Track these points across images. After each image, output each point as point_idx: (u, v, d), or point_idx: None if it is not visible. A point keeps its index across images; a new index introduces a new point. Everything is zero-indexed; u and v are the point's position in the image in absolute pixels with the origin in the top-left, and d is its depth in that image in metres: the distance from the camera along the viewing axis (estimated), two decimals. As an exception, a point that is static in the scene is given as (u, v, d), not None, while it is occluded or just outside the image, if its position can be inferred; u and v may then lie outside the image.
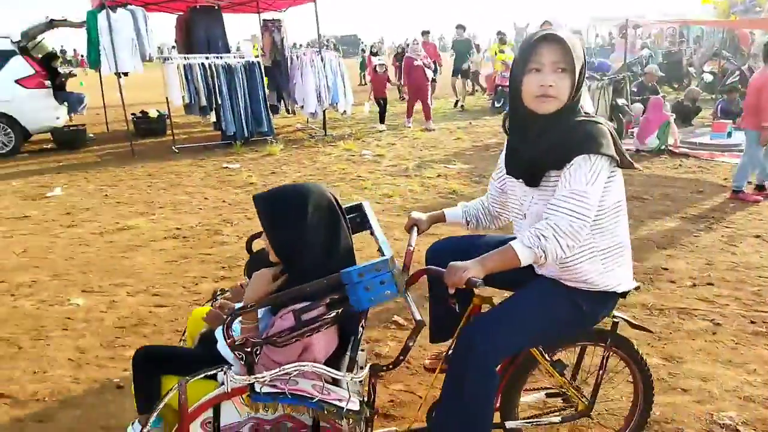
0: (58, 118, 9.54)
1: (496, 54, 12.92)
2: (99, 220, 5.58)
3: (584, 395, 2.06)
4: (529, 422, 2.07)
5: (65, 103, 9.90)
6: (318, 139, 10.06)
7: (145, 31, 8.81)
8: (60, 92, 9.72)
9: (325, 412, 1.62)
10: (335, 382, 1.69)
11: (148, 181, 7.21)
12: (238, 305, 1.73)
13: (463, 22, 14.55)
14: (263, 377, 1.60)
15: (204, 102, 9.00)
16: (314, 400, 1.62)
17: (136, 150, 9.12)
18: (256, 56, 9.98)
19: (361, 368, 1.77)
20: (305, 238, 1.65)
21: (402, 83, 13.00)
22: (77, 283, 4.08)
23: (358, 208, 2.17)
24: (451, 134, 10.12)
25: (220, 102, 9.11)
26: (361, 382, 1.72)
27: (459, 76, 13.86)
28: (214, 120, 9.75)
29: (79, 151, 9.44)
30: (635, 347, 2.05)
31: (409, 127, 10.92)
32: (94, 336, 3.30)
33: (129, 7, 8.77)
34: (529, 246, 1.60)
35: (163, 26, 12.35)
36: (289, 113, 12.86)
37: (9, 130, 9.00)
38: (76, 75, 11.11)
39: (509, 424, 1.97)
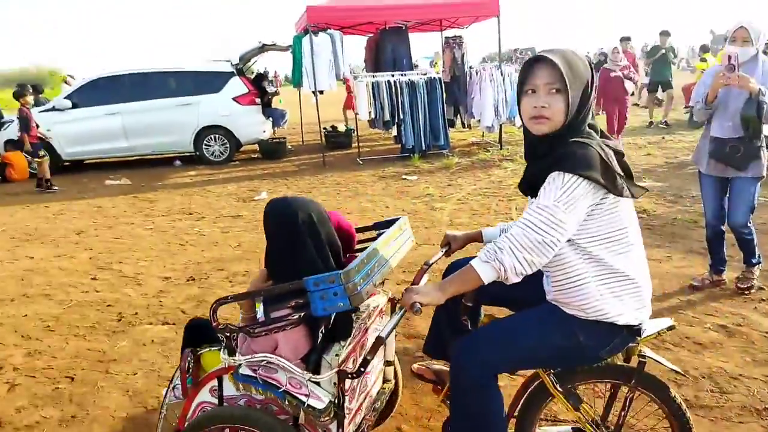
0: (264, 131, 10.91)
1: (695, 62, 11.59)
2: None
3: None
4: None
5: (270, 118, 11.27)
6: (493, 152, 10.08)
7: (341, 53, 9.69)
8: (266, 108, 11.08)
9: (286, 402, 1.76)
10: (318, 382, 1.78)
11: (336, 189, 7.89)
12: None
13: (653, 29, 13.17)
14: (237, 360, 1.80)
15: (387, 117, 9.57)
16: (280, 390, 1.76)
17: (326, 161, 10.03)
18: (438, 72, 10.35)
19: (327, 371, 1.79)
20: (277, 249, 1.86)
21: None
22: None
23: (390, 223, 2.21)
24: (640, 149, 9.43)
25: (401, 116, 9.62)
26: (335, 383, 1.78)
27: (658, 90, 12.05)
28: (395, 134, 10.32)
29: (280, 161, 10.66)
30: (669, 390, 1.82)
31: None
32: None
33: (329, 31, 9.72)
34: (486, 261, 1.58)
35: (352, 47, 13.39)
36: (464, 127, 13.07)
37: (226, 141, 10.51)
38: (279, 93, 12.55)
39: None
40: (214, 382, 1.97)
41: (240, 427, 1.82)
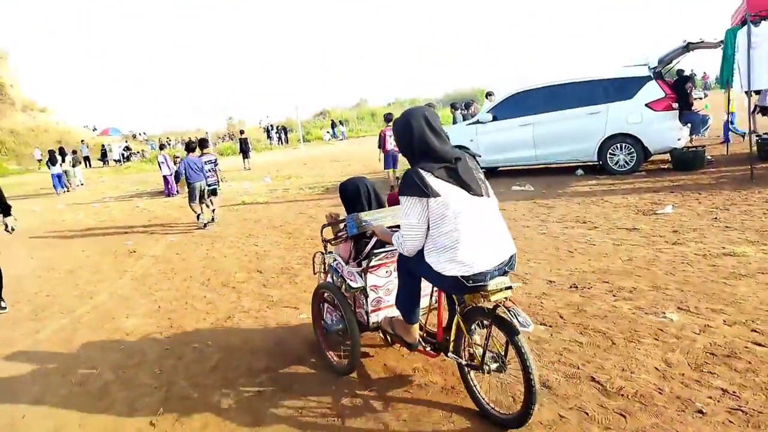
0: (679, 139, 9.83)
1: None
2: (704, 242, 5.43)
3: (477, 353, 2.81)
4: (455, 358, 2.94)
5: (688, 125, 10.07)
6: None
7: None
8: (685, 113, 9.95)
9: (342, 282, 3.38)
10: (353, 272, 3.34)
11: (764, 208, 6.48)
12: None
13: None
14: (328, 257, 3.69)
15: None
16: (339, 274, 3.43)
17: (756, 173, 8.34)
18: None
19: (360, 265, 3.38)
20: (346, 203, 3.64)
21: None
22: (674, 299, 4.12)
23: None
24: None
25: None
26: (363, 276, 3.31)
27: None
28: None
29: (694, 173, 9.44)
30: (516, 334, 2.55)
31: None
32: (683, 354, 3.27)
33: (774, 18, 8.01)
34: (396, 239, 2.83)
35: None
36: None
37: (633, 150, 9.93)
38: (702, 98, 11.09)
39: (450, 355, 2.97)
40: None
41: (326, 290, 3.55)
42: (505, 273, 2.67)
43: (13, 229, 5.77)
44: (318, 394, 3.30)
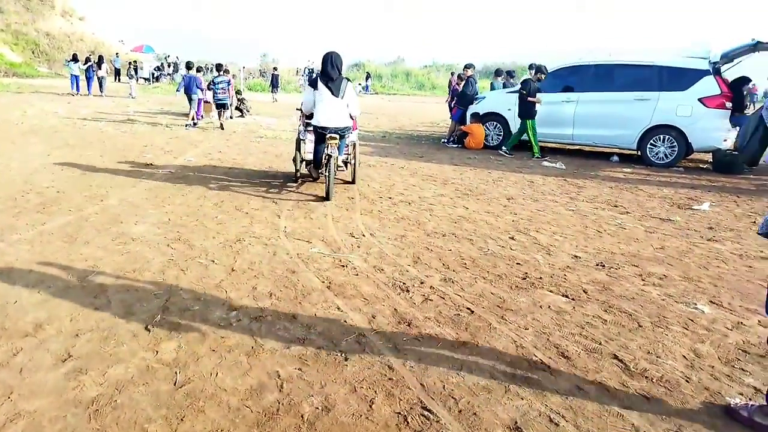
0: (725, 140, 9.37)
1: None
2: (741, 243, 5.15)
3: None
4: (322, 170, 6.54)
5: (737, 128, 9.59)
6: None
7: None
8: (736, 115, 9.46)
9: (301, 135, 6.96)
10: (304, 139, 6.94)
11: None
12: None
13: None
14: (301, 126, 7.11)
15: None
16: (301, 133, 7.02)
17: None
18: None
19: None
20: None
21: None
22: (706, 291, 3.88)
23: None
24: None
25: None
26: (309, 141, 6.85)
27: None
28: None
29: (734, 176, 9.04)
30: (335, 155, 6.10)
31: None
32: (714, 347, 3.05)
33: None
34: (303, 105, 6.60)
35: None
36: None
37: (675, 143, 9.51)
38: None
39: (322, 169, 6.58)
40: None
41: (301, 140, 6.92)
42: (337, 132, 6.17)
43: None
44: (322, 324, 3.13)
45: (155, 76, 36.73)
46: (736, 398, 2.52)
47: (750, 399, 2.54)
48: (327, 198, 6.21)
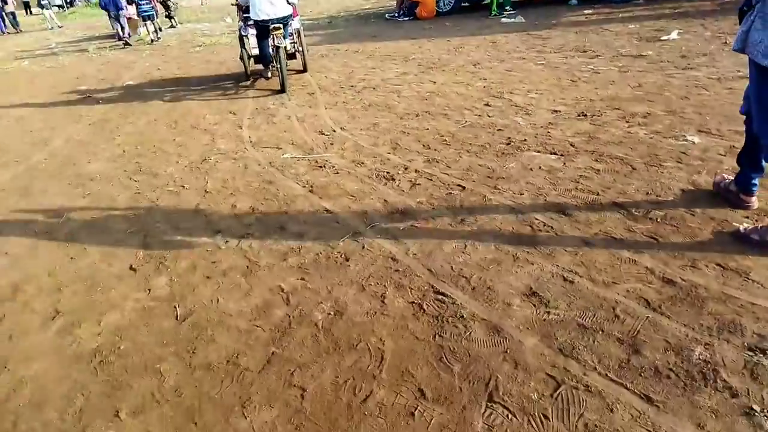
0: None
1: None
2: (716, 66, 5.02)
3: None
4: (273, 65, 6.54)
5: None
6: None
7: None
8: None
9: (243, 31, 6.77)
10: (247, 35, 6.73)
11: None
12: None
13: None
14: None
15: None
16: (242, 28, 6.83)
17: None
18: None
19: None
20: None
21: None
22: (693, 122, 3.80)
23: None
24: None
25: None
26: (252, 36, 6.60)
27: None
28: None
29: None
30: (281, 45, 5.87)
31: None
32: (711, 175, 3.01)
33: None
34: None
35: None
36: None
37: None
38: None
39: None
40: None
41: (244, 36, 6.72)
42: (279, 23, 5.87)
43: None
44: (314, 230, 2.99)
45: (68, 1, 33.35)
46: (744, 223, 2.51)
47: (757, 221, 2.53)
48: (282, 90, 6.06)
